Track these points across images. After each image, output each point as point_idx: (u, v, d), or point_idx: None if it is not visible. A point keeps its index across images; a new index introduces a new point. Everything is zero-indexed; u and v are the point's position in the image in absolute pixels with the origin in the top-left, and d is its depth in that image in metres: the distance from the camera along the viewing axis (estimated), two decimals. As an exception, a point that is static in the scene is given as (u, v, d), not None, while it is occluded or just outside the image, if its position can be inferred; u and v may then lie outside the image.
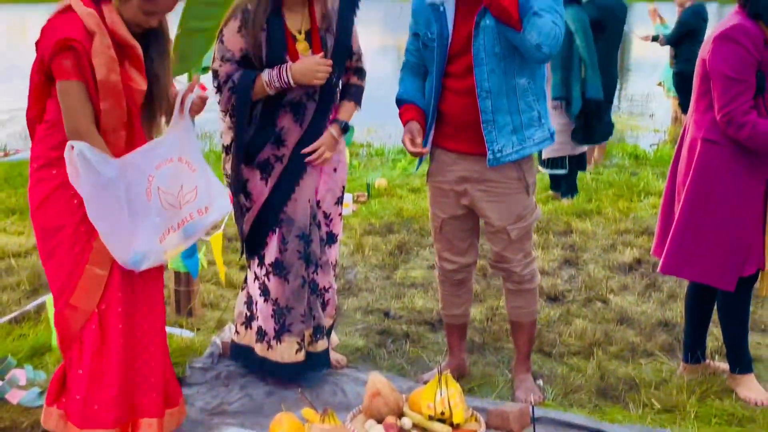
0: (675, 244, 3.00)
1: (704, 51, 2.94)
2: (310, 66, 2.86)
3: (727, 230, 2.90)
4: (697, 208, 2.93)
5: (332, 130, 3.02)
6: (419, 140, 2.86)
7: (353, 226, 5.38)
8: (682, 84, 7.75)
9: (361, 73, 3.14)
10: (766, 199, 2.91)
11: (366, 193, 6.33)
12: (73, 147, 2.28)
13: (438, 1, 2.85)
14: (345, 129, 3.07)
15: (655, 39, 8.12)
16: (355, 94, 3.12)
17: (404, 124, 2.94)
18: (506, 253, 2.99)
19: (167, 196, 2.48)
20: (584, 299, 4.08)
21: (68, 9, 2.35)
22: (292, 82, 2.86)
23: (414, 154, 2.90)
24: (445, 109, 2.91)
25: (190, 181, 2.54)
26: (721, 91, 2.83)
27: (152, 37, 2.53)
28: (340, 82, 3.08)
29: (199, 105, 2.61)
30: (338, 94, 3.07)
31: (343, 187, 3.25)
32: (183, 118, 2.54)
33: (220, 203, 2.66)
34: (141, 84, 2.44)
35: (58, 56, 2.30)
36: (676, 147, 3.15)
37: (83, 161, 2.28)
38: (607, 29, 6.57)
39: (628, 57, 19.17)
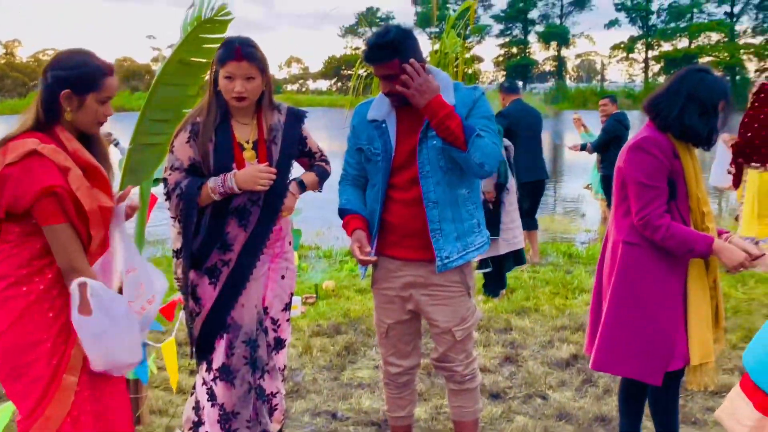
0: (603, 341, 3.16)
1: (620, 160, 3.20)
2: (252, 173, 3.03)
3: (652, 327, 3.06)
4: (622, 307, 3.11)
5: (291, 188, 3.20)
6: (368, 249, 2.99)
7: (302, 327, 5.47)
8: (609, 186, 8.22)
9: (326, 162, 3.38)
10: (685, 296, 3.11)
11: (315, 295, 6.45)
12: (85, 284, 2.35)
13: (380, 118, 3.03)
14: (302, 188, 3.27)
15: (583, 148, 8.61)
16: (318, 171, 3.36)
17: (350, 233, 3.06)
18: (450, 353, 3.10)
19: (132, 302, 2.58)
20: (524, 396, 4.21)
21: (33, 152, 2.37)
22: (235, 187, 3.01)
23: (363, 263, 2.99)
24: (389, 218, 3.03)
25: (134, 281, 2.60)
26: (636, 197, 3.05)
27: (93, 148, 2.60)
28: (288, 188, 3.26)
29: (129, 213, 2.69)
30: (283, 200, 3.22)
31: (291, 294, 3.37)
32: (119, 226, 2.61)
33: (160, 285, 2.72)
34: (108, 202, 2.54)
35: (40, 203, 2.35)
36: (601, 248, 3.37)
37: (98, 300, 2.36)
38: (519, 135, 7.15)
39: (561, 161, 20.07)
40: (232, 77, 3.01)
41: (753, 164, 6.91)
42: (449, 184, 2.96)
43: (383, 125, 3.02)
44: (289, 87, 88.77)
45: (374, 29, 3.03)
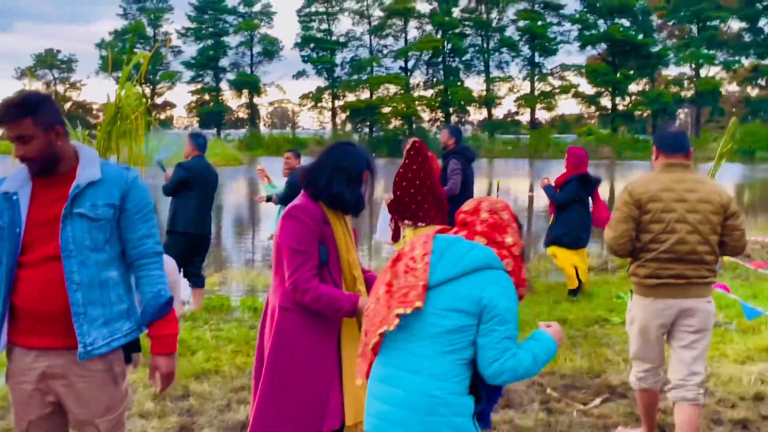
0: (260, 406, 3.19)
1: (276, 228, 3.30)
2: None
3: (306, 388, 3.16)
4: (278, 370, 3.17)
5: None
6: None
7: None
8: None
9: None
10: (339, 357, 3.25)
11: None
12: None
13: (11, 190, 2.78)
14: None
15: (269, 199, 8.79)
16: None
17: None
18: None
19: None
20: (197, 467, 4.09)
21: None
22: None
23: None
24: (20, 302, 2.74)
25: None
26: (288, 262, 3.15)
27: None
28: None
29: None
30: None
31: None
32: None
33: None
34: None
35: None
36: (263, 312, 3.40)
37: None
38: (194, 188, 7.54)
39: (258, 210, 20.40)
40: None
41: (406, 221, 7.42)
42: (97, 265, 2.76)
43: (14, 197, 2.77)
44: (-45, 131, 79.63)
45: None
